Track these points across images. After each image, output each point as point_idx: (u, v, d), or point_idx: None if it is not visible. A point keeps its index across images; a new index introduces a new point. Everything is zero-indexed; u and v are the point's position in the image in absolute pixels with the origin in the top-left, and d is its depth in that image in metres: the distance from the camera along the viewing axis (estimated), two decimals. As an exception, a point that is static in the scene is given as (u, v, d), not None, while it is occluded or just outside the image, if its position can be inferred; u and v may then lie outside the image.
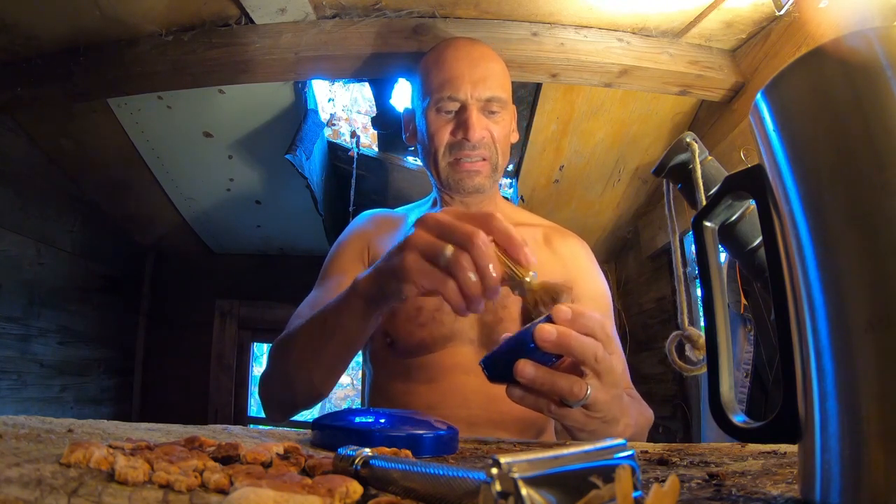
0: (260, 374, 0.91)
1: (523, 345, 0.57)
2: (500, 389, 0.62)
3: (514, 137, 1.10)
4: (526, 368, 0.57)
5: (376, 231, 1.08)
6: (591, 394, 0.59)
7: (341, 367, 0.81)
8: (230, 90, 1.83)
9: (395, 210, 1.18)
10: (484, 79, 1.00)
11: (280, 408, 0.90)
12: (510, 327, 0.93)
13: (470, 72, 1.00)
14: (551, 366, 0.59)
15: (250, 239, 2.82)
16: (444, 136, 1.01)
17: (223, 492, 0.30)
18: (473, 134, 0.98)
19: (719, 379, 0.38)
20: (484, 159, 1.01)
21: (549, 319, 0.57)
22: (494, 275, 0.57)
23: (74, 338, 2.43)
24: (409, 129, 1.13)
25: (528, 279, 0.59)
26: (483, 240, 0.57)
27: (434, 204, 1.13)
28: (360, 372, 2.47)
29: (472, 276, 0.57)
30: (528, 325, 0.57)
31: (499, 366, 0.59)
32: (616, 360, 0.62)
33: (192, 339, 2.84)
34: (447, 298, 0.59)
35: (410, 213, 1.15)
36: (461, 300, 0.59)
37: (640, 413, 0.82)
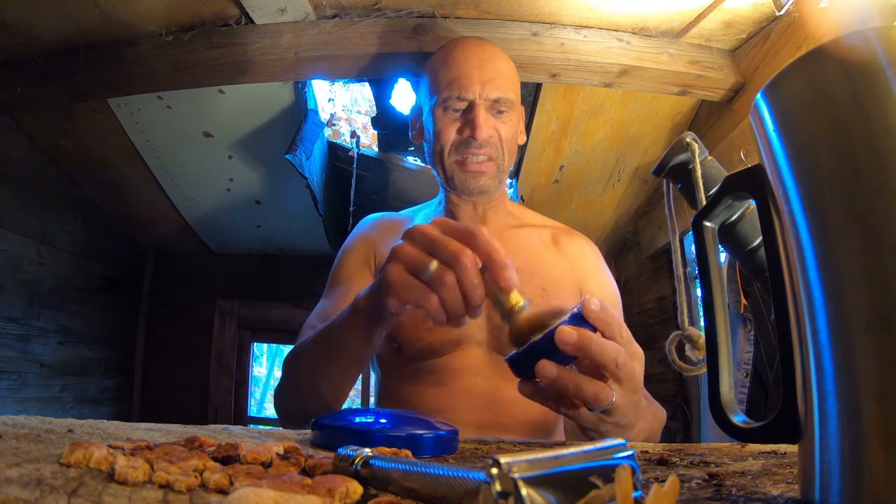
0: (275, 386, 0.93)
1: (544, 345, 0.56)
2: (509, 393, 0.61)
3: (522, 139, 1.08)
4: (547, 368, 0.56)
5: (381, 236, 1.07)
6: (615, 400, 0.58)
7: (349, 382, 0.81)
8: (230, 90, 1.83)
9: (400, 213, 1.17)
10: (492, 79, 0.99)
11: (294, 420, 0.90)
12: None
13: (479, 71, 0.99)
14: (572, 366, 0.58)
15: (250, 239, 2.82)
16: (451, 134, 1.00)
17: (223, 492, 0.30)
18: (480, 132, 0.97)
19: (719, 379, 0.37)
20: (490, 159, 1.00)
21: (579, 313, 0.56)
22: (477, 295, 0.57)
23: (74, 338, 2.43)
24: (415, 127, 1.12)
25: (515, 307, 0.57)
26: (469, 259, 0.56)
27: (440, 205, 1.11)
28: (360, 372, 2.46)
29: (456, 294, 0.57)
30: (553, 325, 0.56)
31: (522, 363, 0.58)
32: (637, 363, 0.61)
33: (192, 339, 2.85)
34: (429, 313, 0.59)
35: (415, 215, 1.14)
36: (443, 316, 0.58)
37: (654, 415, 0.81)
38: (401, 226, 1.10)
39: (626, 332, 0.60)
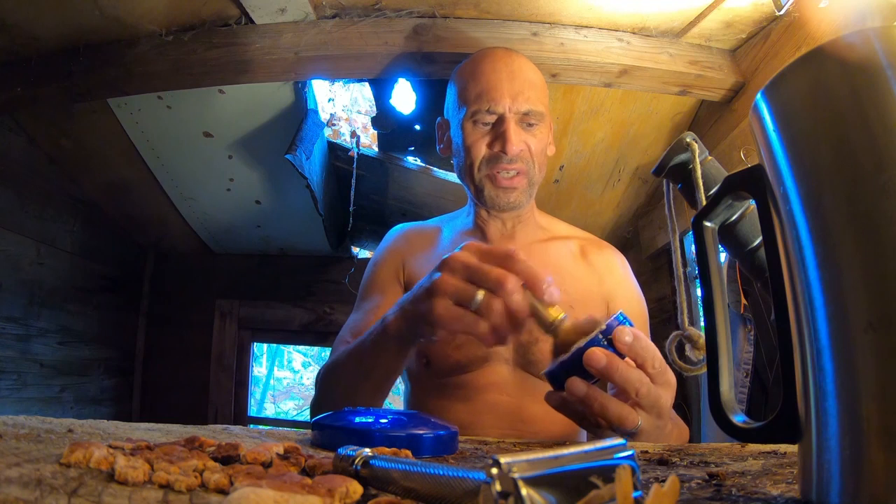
0: (310, 402, 0.97)
1: (578, 360, 0.59)
2: (533, 410, 0.63)
3: (552, 150, 1.07)
4: (577, 385, 0.59)
5: (410, 248, 1.08)
6: (640, 425, 0.61)
7: (383, 394, 0.83)
8: (230, 90, 1.83)
9: (428, 222, 1.16)
10: (522, 91, 0.97)
11: None
12: (545, 347, 0.94)
13: (509, 84, 0.97)
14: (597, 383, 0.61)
15: (250, 239, 2.82)
16: (481, 149, 0.98)
17: (223, 492, 0.30)
18: (511, 147, 0.95)
19: (719, 379, 0.38)
20: (520, 173, 0.99)
21: (608, 338, 0.59)
22: (523, 315, 0.60)
23: (74, 338, 2.43)
24: (442, 139, 1.11)
25: (557, 320, 0.60)
26: (513, 283, 0.59)
27: (469, 217, 1.11)
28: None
29: (504, 318, 0.59)
30: (585, 342, 0.59)
31: (559, 377, 0.61)
32: (665, 391, 0.63)
33: (192, 339, 2.84)
34: (479, 338, 0.61)
35: (444, 224, 1.13)
36: (492, 338, 0.61)
37: (678, 437, 0.82)
38: (430, 236, 1.10)
39: (660, 361, 0.62)
